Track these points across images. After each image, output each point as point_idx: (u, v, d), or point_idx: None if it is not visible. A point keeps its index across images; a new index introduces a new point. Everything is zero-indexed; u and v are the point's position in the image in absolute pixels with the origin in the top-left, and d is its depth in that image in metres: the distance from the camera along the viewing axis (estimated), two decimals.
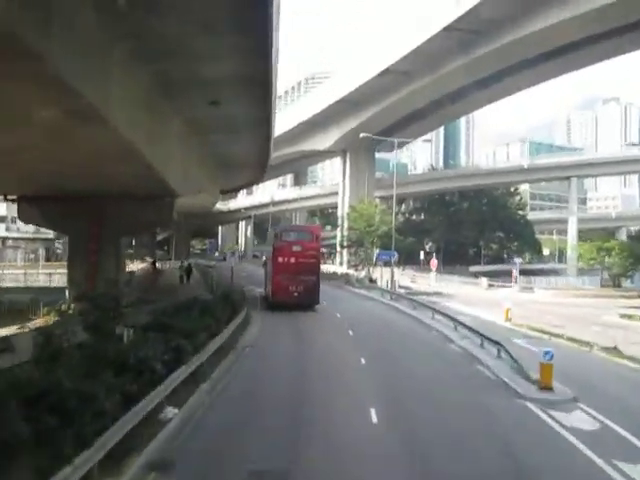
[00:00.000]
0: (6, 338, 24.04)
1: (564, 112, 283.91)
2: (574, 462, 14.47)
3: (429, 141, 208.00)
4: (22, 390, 11.23)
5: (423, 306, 41.90)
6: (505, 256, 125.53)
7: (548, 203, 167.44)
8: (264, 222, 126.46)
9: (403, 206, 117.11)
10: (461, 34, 64.95)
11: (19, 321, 34.62)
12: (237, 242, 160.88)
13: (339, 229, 77.64)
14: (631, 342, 30.98)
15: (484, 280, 74.07)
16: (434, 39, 65.65)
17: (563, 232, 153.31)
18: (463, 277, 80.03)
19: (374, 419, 16.89)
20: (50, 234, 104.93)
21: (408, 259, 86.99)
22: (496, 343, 25.50)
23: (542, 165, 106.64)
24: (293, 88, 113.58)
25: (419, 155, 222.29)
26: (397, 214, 71.49)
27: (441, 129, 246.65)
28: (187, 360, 18.62)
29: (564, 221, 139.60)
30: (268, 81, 28.79)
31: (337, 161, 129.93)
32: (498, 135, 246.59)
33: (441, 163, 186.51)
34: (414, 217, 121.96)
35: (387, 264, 62.53)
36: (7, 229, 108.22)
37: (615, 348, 29.21)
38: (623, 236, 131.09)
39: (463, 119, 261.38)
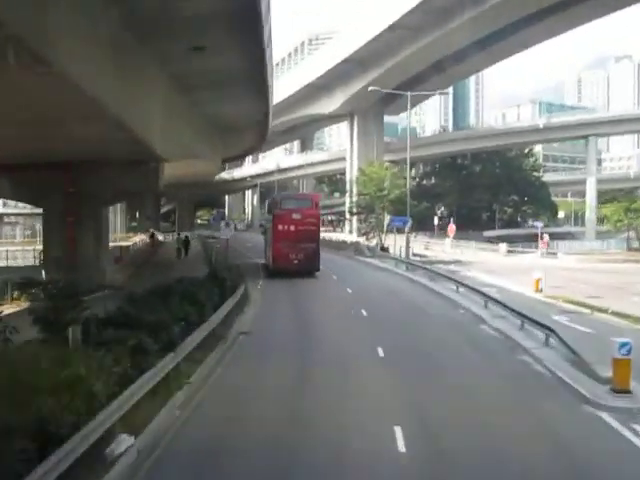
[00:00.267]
0: None
1: (574, 72, 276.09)
2: None
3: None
4: None
5: (443, 277, 36.96)
6: (519, 220, 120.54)
7: (561, 165, 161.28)
8: (271, 190, 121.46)
9: (413, 170, 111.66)
10: None
11: None
12: (244, 211, 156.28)
13: (347, 195, 72.59)
14: None
15: (503, 246, 69.00)
16: None
17: (577, 194, 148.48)
18: (479, 243, 74.86)
19: (401, 447, 12.02)
20: None
21: (420, 225, 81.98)
22: (544, 327, 20.59)
23: (559, 124, 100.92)
24: (296, 50, 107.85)
25: (428, 119, 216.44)
26: (410, 177, 66.49)
27: (449, 94, 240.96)
28: (148, 367, 13.78)
29: (579, 182, 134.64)
30: (258, 17, 23.87)
31: (344, 126, 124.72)
32: (507, 98, 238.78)
33: (450, 127, 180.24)
34: (424, 182, 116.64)
35: (400, 231, 57.70)
36: (4, 205, 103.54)
37: None
38: None
39: (472, 82, 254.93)
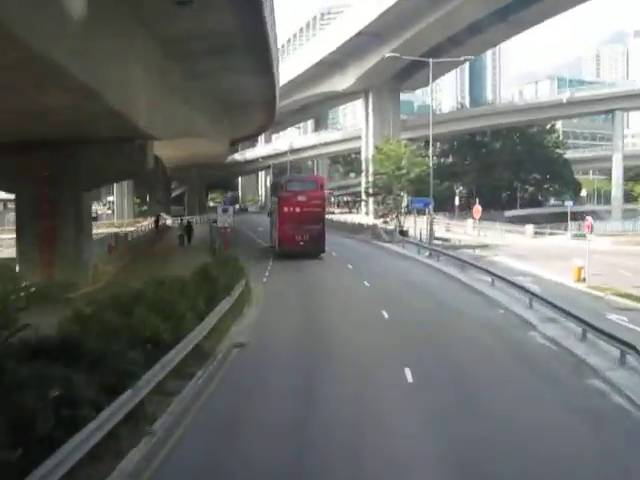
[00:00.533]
0: None
1: (592, 48, 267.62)
2: None
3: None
4: None
5: (473, 266, 32.06)
6: (541, 199, 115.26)
7: (582, 142, 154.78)
8: (284, 172, 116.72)
9: (430, 149, 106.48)
10: None
11: None
12: (258, 193, 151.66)
13: (363, 175, 67.66)
14: None
15: (529, 227, 64.01)
16: None
17: (599, 171, 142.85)
18: (503, 224, 69.66)
19: None
20: None
21: (439, 206, 76.64)
22: (620, 341, 15.79)
23: (582, 98, 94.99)
24: (307, 25, 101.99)
25: (444, 97, 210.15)
26: (426, 156, 61.39)
27: (466, 69, 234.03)
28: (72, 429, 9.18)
29: (602, 159, 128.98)
30: None
31: (359, 104, 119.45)
32: (523, 75, 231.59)
33: (468, 104, 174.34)
34: (442, 160, 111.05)
35: (420, 212, 52.97)
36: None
37: None
38: None
39: (489, 59, 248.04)
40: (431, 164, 45.07)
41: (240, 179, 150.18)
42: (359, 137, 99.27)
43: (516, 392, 14.26)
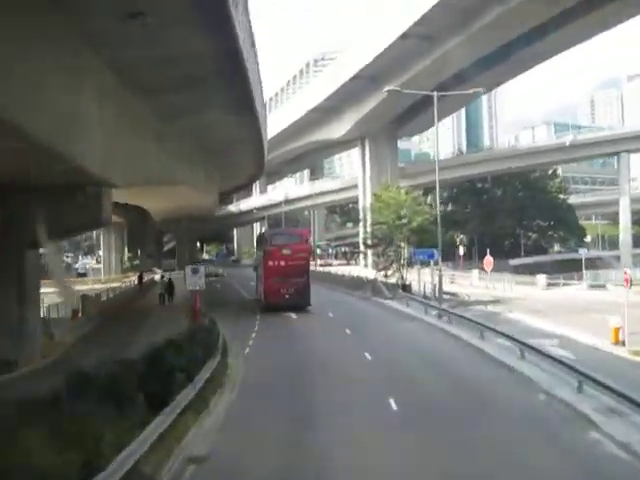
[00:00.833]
0: None
1: (586, 93, 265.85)
2: None
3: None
4: None
5: (493, 330, 26.55)
6: (546, 245, 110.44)
7: (582, 186, 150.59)
8: (280, 223, 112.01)
9: (429, 197, 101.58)
10: None
11: None
12: (253, 245, 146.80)
13: (361, 224, 62.72)
14: None
15: (541, 278, 58.78)
16: None
17: (602, 216, 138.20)
18: (510, 274, 64.35)
19: None
20: None
21: (441, 256, 71.66)
22: None
23: (586, 141, 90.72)
24: (301, 72, 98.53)
25: (441, 144, 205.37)
26: (426, 204, 56.52)
27: (462, 117, 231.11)
28: None
29: (606, 204, 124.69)
30: None
31: (355, 153, 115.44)
32: (519, 122, 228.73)
33: (465, 151, 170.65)
34: (442, 208, 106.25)
35: (424, 264, 47.89)
36: None
37: None
38: None
39: (485, 105, 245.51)
40: (438, 211, 39.97)
41: (235, 231, 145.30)
42: (356, 186, 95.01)
43: None
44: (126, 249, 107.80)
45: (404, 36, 63.33)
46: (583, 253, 61.97)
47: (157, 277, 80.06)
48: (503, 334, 24.19)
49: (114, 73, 23.17)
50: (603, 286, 54.94)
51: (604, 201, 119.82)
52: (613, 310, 41.46)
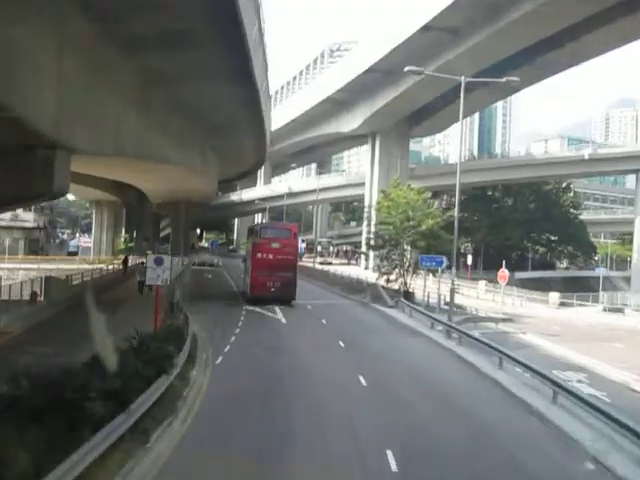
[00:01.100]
0: None
1: (601, 110, 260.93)
2: None
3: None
4: None
5: (514, 360, 21.70)
6: (553, 261, 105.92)
7: (592, 203, 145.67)
8: (281, 216, 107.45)
9: (436, 202, 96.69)
10: None
11: None
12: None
13: (365, 224, 58.06)
14: None
15: (554, 296, 54.25)
16: None
17: (611, 234, 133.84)
18: (517, 288, 59.66)
19: None
20: (27, 222, 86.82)
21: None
22: None
23: (606, 155, 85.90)
24: (315, 61, 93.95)
25: (451, 149, 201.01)
26: (437, 209, 51.88)
27: (475, 124, 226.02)
28: None
29: (617, 222, 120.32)
30: None
31: (364, 152, 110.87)
32: (532, 135, 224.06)
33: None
34: (450, 214, 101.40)
35: (431, 272, 43.38)
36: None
37: None
38: None
39: (499, 114, 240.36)
40: (457, 213, 35.22)
41: (237, 221, 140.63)
42: (362, 183, 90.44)
43: None
44: (123, 230, 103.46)
45: (426, 28, 58.77)
46: (600, 272, 57.33)
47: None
48: (529, 367, 19.54)
49: (84, 16, 18.78)
50: (620, 310, 50.40)
51: (616, 219, 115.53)
52: (635, 339, 37.25)
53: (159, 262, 19.36)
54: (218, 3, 18.84)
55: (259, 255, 39.48)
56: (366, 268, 63.86)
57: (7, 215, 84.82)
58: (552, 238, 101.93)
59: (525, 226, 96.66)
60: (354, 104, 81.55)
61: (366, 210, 52.14)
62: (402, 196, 44.43)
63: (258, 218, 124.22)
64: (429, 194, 46.57)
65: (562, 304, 53.23)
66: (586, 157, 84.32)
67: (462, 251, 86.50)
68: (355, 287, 49.25)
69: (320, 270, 68.00)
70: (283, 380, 19.54)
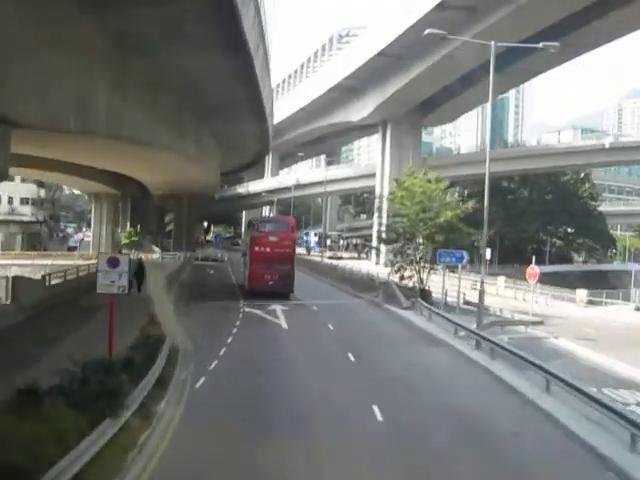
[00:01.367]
0: None
1: (614, 101, 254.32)
2: None
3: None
4: None
5: (566, 384, 17.03)
6: (572, 254, 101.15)
7: (608, 195, 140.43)
8: (294, 209, 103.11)
9: (448, 194, 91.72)
10: None
11: None
12: None
13: (376, 216, 53.56)
14: None
15: (581, 293, 49.59)
16: None
17: (628, 226, 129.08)
18: (544, 286, 54.73)
19: None
20: (25, 216, 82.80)
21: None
22: None
23: (628, 144, 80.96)
24: (323, 48, 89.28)
25: (462, 141, 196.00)
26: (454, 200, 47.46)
27: (487, 115, 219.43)
28: None
29: (634, 214, 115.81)
30: None
31: (375, 143, 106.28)
32: (544, 126, 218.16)
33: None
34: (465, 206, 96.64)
35: (450, 268, 39.10)
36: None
37: None
38: None
39: (512, 104, 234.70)
40: (486, 200, 30.74)
41: (244, 214, 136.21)
42: (372, 175, 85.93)
43: None
44: (128, 224, 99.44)
45: (441, 6, 54.18)
46: (634, 267, 52.55)
47: (153, 257, 71.66)
48: (590, 396, 15.15)
49: None
50: None
51: (635, 211, 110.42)
52: None
53: (113, 264, 14.95)
54: None
55: (257, 248, 38.94)
56: (377, 263, 59.37)
57: (4, 208, 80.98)
58: (569, 231, 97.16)
59: (542, 218, 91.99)
60: (364, 91, 77.09)
61: (377, 201, 47.60)
62: (418, 185, 39.94)
63: (266, 211, 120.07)
64: (447, 182, 41.90)
65: (590, 302, 48.59)
66: (607, 146, 79.56)
67: (475, 244, 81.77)
68: (366, 284, 44.88)
69: (329, 265, 63.67)
70: (277, 415, 15.18)
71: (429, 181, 40.86)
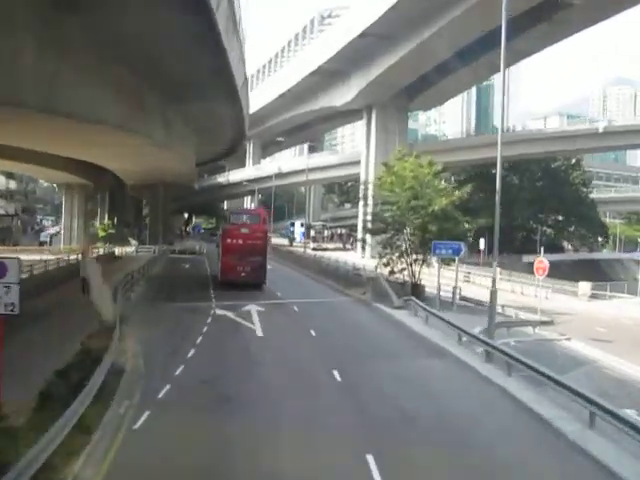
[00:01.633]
0: None
1: (599, 88, 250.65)
2: None
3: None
4: None
5: (618, 419, 13.21)
6: (563, 243, 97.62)
7: (596, 182, 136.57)
8: (277, 198, 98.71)
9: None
10: None
11: None
12: None
13: (361, 204, 49.20)
14: None
15: (584, 286, 45.64)
16: None
17: (617, 214, 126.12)
18: (545, 280, 50.45)
19: None
20: None
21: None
22: None
23: (623, 128, 77.35)
24: (304, 30, 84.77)
25: (447, 128, 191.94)
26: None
27: (472, 103, 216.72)
28: None
29: (625, 201, 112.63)
30: None
31: (359, 129, 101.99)
32: (529, 114, 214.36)
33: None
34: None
35: (445, 261, 35.16)
36: None
37: None
38: None
39: (498, 92, 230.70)
40: (498, 183, 26.63)
41: (226, 204, 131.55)
42: (357, 162, 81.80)
43: None
44: (107, 216, 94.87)
45: None
46: (636, 256, 48.76)
47: (128, 250, 67.39)
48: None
49: None
50: None
51: (626, 198, 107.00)
52: None
53: None
54: None
55: (229, 240, 38.53)
56: (363, 257, 54.95)
57: None
58: (560, 219, 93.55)
59: (533, 205, 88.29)
60: (347, 74, 72.82)
61: (362, 187, 43.29)
62: (409, 169, 35.81)
63: (247, 201, 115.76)
64: (440, 167, 37.76)
65: (593, 296, 44.68)
66: (600, 130, 75.88)
67: (468, 235, 77.86)
68: (352, 279, 40.76)
69: (312, 257, 59.50)
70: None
71: (420, 165, 36.83)
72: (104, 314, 22.68)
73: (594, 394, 13.82)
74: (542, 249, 43.34)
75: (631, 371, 21.86)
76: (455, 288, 34.49)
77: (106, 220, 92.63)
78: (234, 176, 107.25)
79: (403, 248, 36.59)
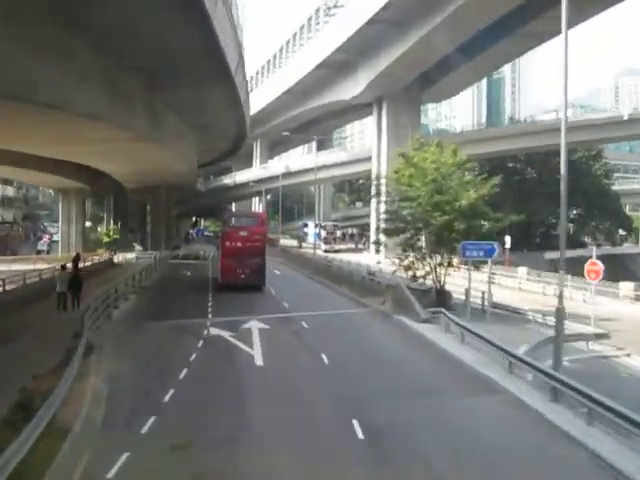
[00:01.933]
0: None
1: (610, 79, 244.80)
2: None
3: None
4: None
5: None
6: (587, 238, 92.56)
7: (616, 174, 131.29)
8: (285, 198, 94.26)
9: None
10: None
11: None
12: None
13: (373, 201, 44.35)
14: None
15: (627, 286, 40.52)
16: None
17: (635, 207, 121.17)
18: (576, 278, 45.14)
19: None
20: None
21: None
22: None
23: None
24: (309, 20, 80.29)
25: (458, 123, 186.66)
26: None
27: (483, 96, 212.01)
28: None
29: None
30: None
31: (369, 126, 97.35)
32: (539, 106, 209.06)
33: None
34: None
35: (475, 264, 30.44)
36: None
37: None
38: None
39: (508, 84, 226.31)
40: (563, 167, 21.65)
41: (233, 206, 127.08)
42: (367, 159, 77.27)
43: None
44: (112, 222, 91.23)
45: None
46: None
47: (129, 256, 63.30)
48: None
49: None
50: None
51: None
52: None
53: None
54: None
55: (228, 243, 38.71)
56: (378, 262, 50.03)
57: None
58: (582, 212, 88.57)
59: (553, 200, 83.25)
60: (356, 66, 68.32)
61: (374, 183, 38.36)
62: (430, 160, 31.08)
63: (255, 202, 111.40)
64: (464, 156, 33.01)
65: (637, 298, 39.64)
66: (626, 117, 70.96)
67: (497, 233, 72.93)
68: (368, 286, 36.06)
69: (324, 261, 54.93)
70: None
71: (443, 156, 32.06)
72: None
73: None
74: (594, 249, 38.46)
75: None
76: (486, 293, 29.80)
77: (111, 225, 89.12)
78: (240, 177, 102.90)
79: (425, 250, 31.89)
